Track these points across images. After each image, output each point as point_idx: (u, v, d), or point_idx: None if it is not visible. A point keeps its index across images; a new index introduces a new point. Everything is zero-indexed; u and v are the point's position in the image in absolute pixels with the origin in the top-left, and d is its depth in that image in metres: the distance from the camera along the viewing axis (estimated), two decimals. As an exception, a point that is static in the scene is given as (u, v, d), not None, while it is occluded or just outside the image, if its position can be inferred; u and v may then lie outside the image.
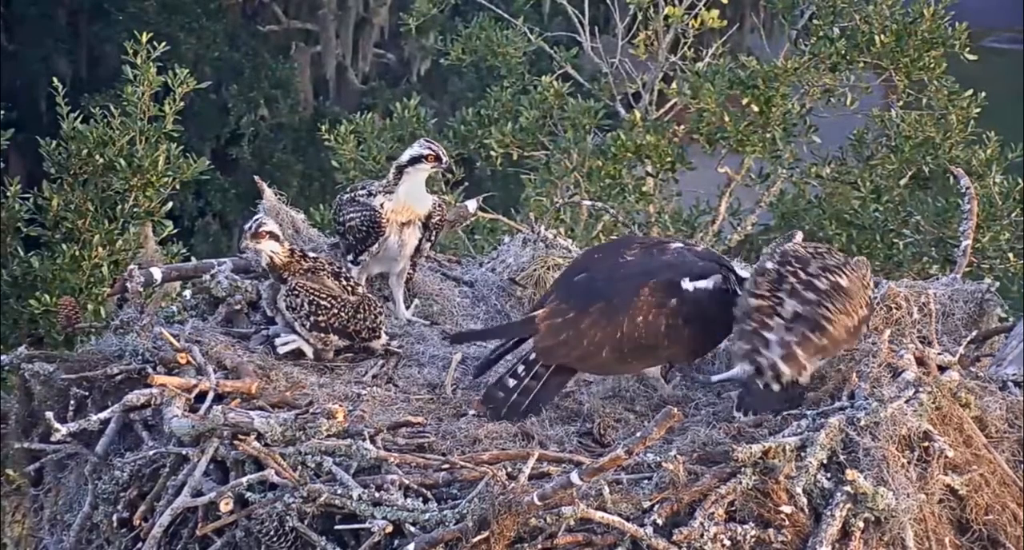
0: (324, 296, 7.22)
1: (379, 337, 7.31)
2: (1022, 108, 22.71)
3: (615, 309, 6.84)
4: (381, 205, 7.68)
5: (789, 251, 6.88)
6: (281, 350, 7.23)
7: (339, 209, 7.83)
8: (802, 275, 6.74)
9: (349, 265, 7.71)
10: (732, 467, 5.98)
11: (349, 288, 7.32)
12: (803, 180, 12.49)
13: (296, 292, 7.20)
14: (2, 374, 8.21)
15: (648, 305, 6.84)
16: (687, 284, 6.93)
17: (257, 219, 7.23)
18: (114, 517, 6.58)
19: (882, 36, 11.94)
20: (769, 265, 6.81)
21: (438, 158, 7.65)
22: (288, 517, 6.09)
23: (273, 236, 7.19)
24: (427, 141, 7.76)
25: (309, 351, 7.26)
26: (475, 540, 5.79)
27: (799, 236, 7.14)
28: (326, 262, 7.36)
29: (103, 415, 6.73)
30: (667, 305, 6.85)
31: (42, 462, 7.22)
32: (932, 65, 11.98)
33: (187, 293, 7.86)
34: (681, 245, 7.17)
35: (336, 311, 7.22)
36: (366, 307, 7.30)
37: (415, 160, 7.67)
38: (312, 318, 7.19)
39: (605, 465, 5.82)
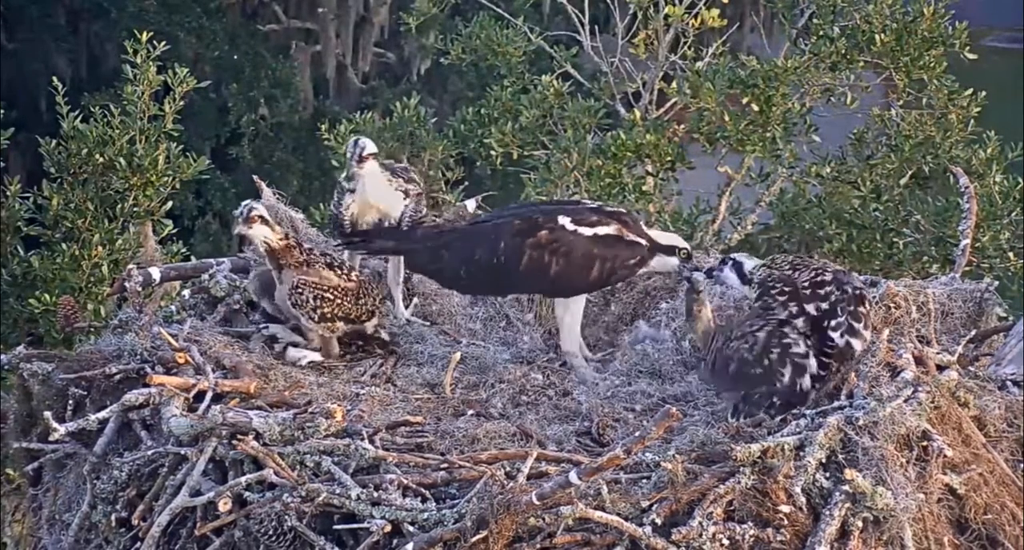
0: (326, 288, 7.29)
1: (373, 317, 7.38)
2: (1022, 108, 22.67)
3: (485, 232, 7.12)
4: (346, 206, 7.67)
5: (771, 276, 6.83)
6: (301, 363, 7.25)
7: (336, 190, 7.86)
8: (804, 283, 6.71)
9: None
10: (731, 466, 5.98)
11: (345, 276, 7.37)
12: (803, 179, 12.44)
13: (300, 289, 7.24)
14: (1, 374, 8.21)
15: (514, 233, 7.06)
16: (565, 222, 7.03)
17: (247, 204, 7.30)
18: (113, 516, 6.59)
19: (882, 35, 11.90)
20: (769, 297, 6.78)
21: (360, 159, 7.53)
22: (287, 517, 6.09)
23: (264, 220, 7.26)
24: (362, 144, 7.57)
25: (319, 357, 7.30)
26: (474, 540, 5.79)
27: (757, 261, 7.05)
28: (319, 253, 7.41)
29: (102, 415, 6.73)
30: (534, 236, 7.03)
31: (41, 462, 7.23)
32: (932, 64, 11.93)
33: (186, 293, 7.87)
34: (595, 205, 7.26)
35: (339, 301, 7.29)
36: (366, 291, 7.41)
37: (348, 150, 7.61)
38: (319, 311, 7.24)
39: (604, 465, 5.82)
